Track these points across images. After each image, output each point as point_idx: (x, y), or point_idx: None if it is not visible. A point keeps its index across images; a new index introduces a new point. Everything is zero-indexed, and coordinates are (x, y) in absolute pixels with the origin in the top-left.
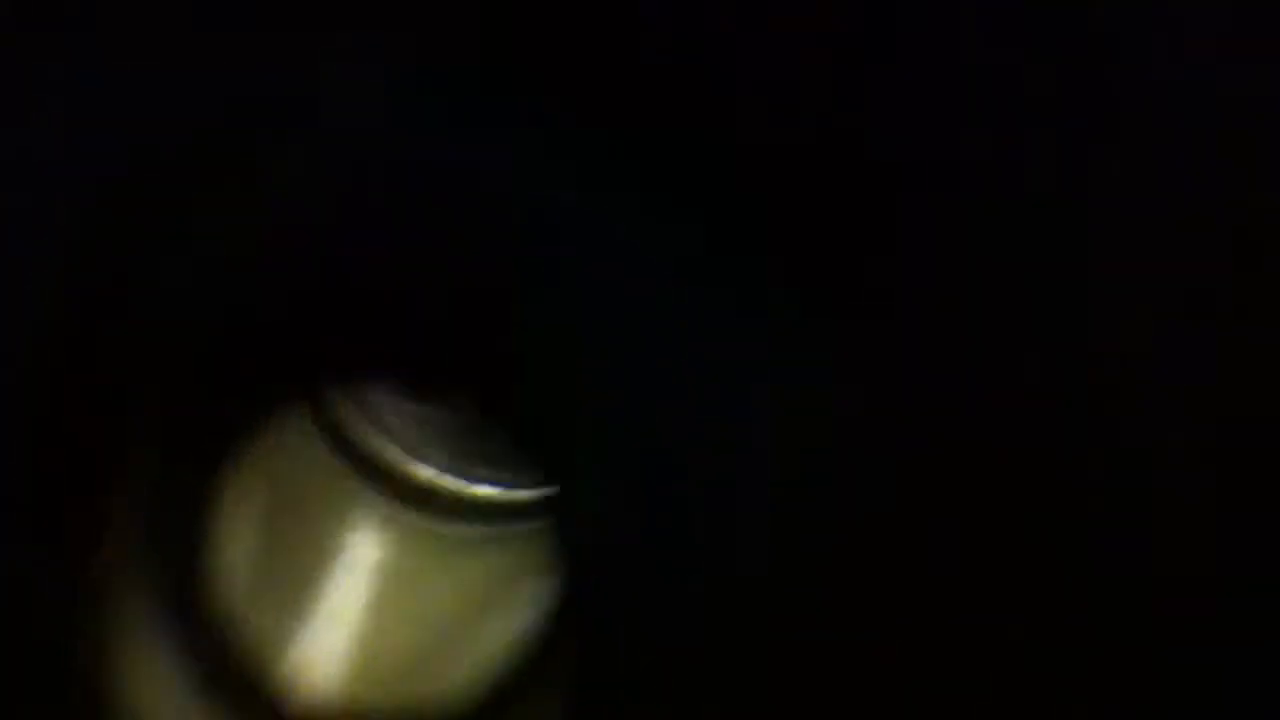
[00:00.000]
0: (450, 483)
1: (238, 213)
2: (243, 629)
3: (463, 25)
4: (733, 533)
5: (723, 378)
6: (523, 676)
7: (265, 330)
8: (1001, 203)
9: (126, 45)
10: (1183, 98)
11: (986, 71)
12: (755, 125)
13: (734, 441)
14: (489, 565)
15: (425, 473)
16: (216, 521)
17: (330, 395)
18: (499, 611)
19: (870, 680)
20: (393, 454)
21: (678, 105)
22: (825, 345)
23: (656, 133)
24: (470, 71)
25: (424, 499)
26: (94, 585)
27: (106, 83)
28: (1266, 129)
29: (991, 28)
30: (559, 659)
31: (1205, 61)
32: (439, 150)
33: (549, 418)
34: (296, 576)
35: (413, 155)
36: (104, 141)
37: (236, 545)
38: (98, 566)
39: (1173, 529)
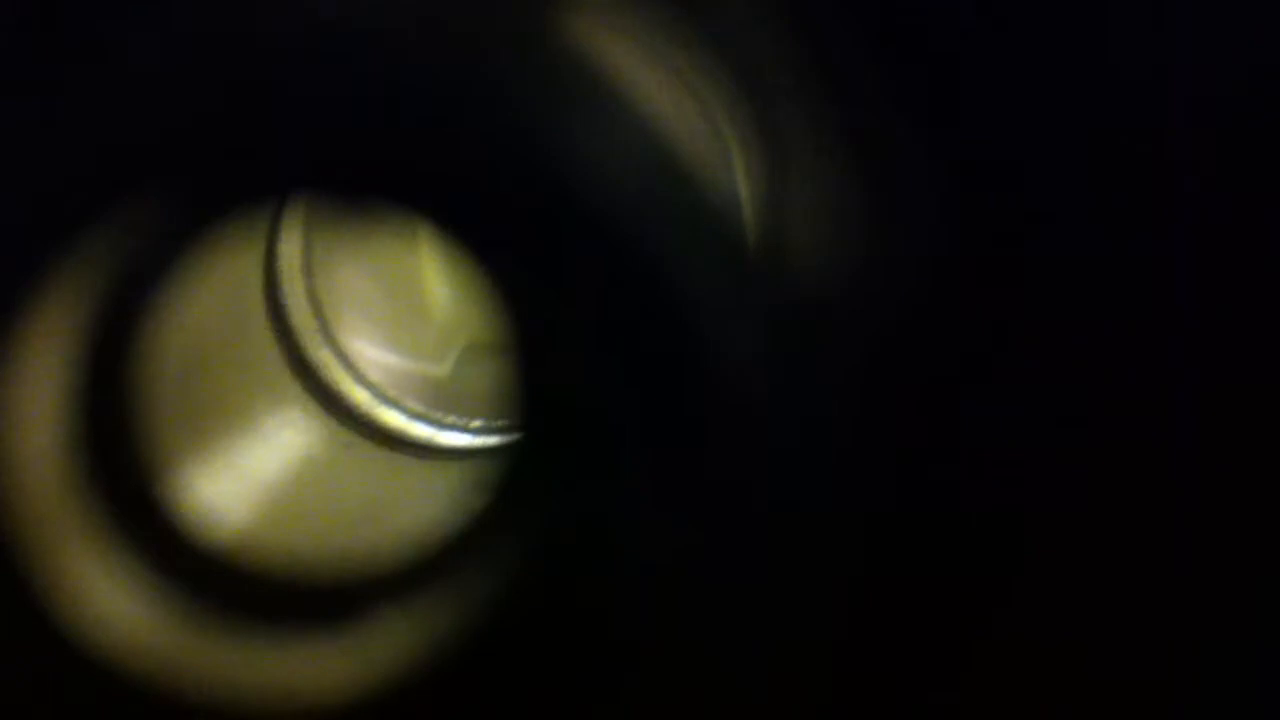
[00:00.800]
0: (420, 429)
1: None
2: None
3: None
4: (731, 533)
5: (722, 374)
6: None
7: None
8: (1000, 202)
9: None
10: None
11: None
12: None
13: (736, 439)
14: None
15: (395, 418)
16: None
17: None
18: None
19: (870, 680)
20: (362, 397)
21: None
22: (824, 340)
23: None
24: None
25: (394, 443)
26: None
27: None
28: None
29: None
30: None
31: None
32: None
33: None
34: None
35: None
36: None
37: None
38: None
39: (1172, 528)
